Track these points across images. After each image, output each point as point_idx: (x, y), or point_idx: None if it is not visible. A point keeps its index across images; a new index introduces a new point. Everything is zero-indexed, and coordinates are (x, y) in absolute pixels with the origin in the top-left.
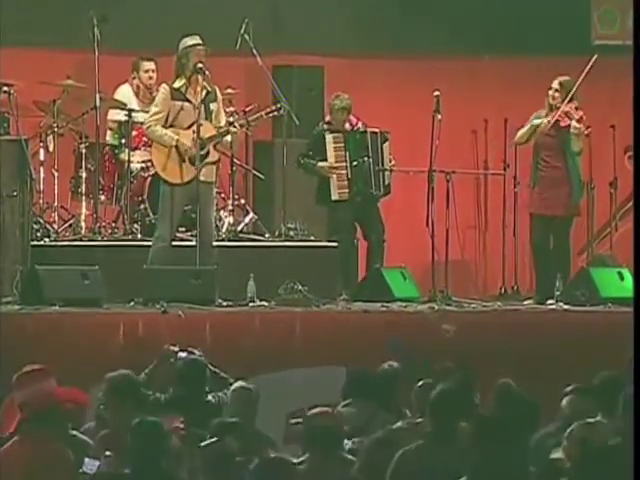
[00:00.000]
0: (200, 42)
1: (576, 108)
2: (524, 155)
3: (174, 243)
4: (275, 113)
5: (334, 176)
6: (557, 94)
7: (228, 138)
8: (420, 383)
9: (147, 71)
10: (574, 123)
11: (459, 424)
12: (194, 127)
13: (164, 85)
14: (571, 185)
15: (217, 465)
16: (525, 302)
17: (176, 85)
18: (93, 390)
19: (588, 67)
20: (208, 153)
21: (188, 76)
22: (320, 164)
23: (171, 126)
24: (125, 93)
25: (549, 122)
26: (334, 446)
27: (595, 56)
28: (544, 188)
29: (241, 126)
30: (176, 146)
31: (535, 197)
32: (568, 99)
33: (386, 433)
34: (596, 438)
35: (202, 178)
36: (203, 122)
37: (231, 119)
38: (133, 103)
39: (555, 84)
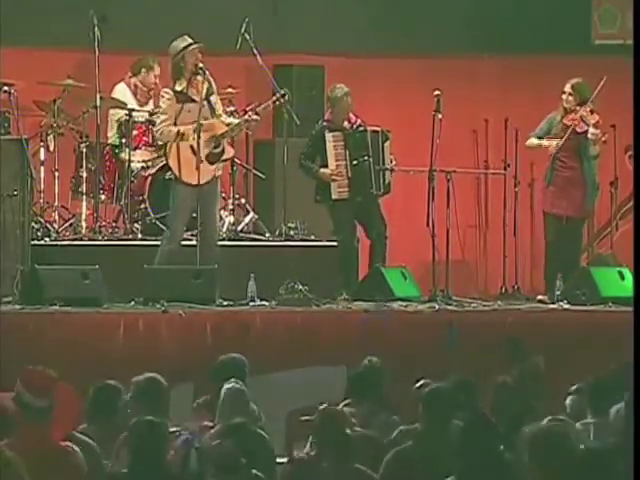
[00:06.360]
0: (191, 42)
1: (591, 112)
2: (524, 155)
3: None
4: (282, 100)
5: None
6: (571, 97)
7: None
8: (419, 383)
9: (157, 76)
10: (591, 129)
11: (454, 423)
12: (202, 123)
13: (167, 90)
14: (586, 187)
15: (219, 466)
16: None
17: (178, 88)
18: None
19: (603, 82)
20: (224, 150)
21: (188, 77)
22: (322, 170)
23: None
24: (122, 92)
25: (561, 139)
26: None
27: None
28: (559, 188)
29: (253, 119)
30: (191, 146)
31: (549, 196)
32: (583, 102)
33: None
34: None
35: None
36: (212, 120)
37: (231, 118)
38: (131, 102)
39: (567, 87)
